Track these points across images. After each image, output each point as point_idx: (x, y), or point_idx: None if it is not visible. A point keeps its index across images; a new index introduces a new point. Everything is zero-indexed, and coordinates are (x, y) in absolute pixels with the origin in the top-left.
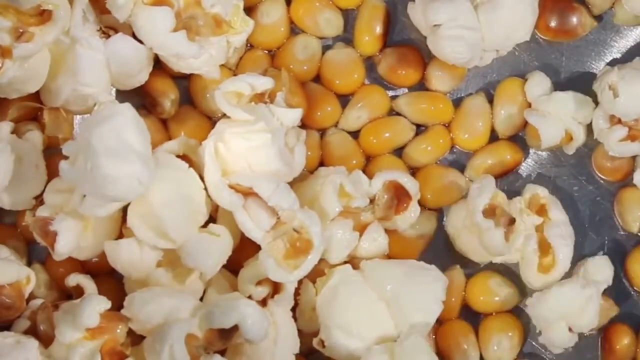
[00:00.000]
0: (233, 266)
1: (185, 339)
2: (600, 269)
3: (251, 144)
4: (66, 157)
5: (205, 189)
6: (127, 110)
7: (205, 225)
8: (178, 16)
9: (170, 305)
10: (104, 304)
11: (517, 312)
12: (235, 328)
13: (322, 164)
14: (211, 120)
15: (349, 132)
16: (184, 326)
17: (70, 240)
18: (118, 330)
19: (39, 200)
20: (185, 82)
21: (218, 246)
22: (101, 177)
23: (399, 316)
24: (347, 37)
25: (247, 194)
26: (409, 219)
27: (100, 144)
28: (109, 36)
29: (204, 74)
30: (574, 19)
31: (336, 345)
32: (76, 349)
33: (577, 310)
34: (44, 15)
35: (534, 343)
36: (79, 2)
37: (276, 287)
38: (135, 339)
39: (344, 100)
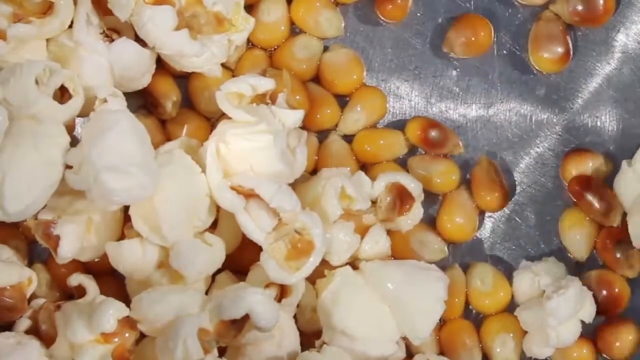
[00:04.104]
0: (236, 268)
1: (197, 334)
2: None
3: (253, 145)
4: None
5: (211, 197)
6: (124, 119)
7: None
8: (180, 15)
9: (178, 302)
10: (123, 310)
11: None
12: (246, 317)
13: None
14: (210, 121)
15: (348, 135)
16: (195, 321)
17: (73, 243)
18: (127, 335)
19: None
20: (185, 83)
21: (207, 255)
22: (105, 190)
23: (402, 317)
24: (346, 39)
25: (249, 195)
26: (412, 220)
27: (100, 161)
28: (112, 39)
29: (205, 72)
30: None
31: (339, 348)
32: (87, 351)
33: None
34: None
35: None
36: (83, 5)
37: (284, 291)
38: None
39: (344, 101)
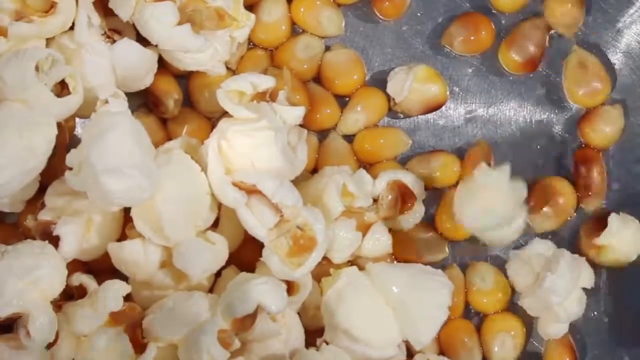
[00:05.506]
0: (239, 265)
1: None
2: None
3: (254, 142)
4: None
5: (212, 194)
6: (124, 121)
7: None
8: (181, 11)
9: (188, 313)
10: (125, 287)
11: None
12: (257, 308)
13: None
14: (210, 121)
15: (347, 135)
16: (212, 327)
17: (73, 244)
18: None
19: (41, 203)
20: (185, 83)
21: (210, 254)
22: (104, 192)
23: (405, 321)
24: (346, 38)
25: (251, 191)
26: (414, 218)
27: (99, 163)
28: (113, 40)
29: (209, 70)
30: None
31: (341, 348)
32: (99, 337)
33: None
34: (49, 12)
35: (535, 343)
36: (84, 6)
37: (291, 288)
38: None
39: (344, 102)
